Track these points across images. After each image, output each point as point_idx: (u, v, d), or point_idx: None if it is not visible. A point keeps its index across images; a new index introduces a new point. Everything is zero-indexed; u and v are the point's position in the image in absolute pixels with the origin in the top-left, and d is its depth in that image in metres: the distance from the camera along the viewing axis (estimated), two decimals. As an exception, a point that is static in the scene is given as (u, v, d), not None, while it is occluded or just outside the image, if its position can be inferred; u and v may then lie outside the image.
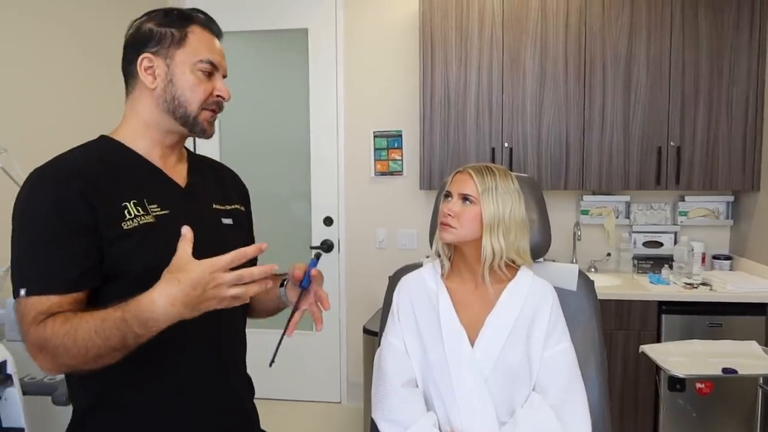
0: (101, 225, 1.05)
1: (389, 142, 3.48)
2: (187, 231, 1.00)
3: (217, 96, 1.19)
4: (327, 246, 3.56)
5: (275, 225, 3.53)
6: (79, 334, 0.97)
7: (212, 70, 1.18)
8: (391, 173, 3.50)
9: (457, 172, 1.48)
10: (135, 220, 1.08)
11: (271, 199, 3.60)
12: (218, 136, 3.55)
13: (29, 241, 1.04)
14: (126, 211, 1.08)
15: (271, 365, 1.22)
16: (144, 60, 1.14)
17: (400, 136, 3.47)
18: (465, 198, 1.43)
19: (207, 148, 3.30)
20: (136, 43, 1.16)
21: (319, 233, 3.59)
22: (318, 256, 1.22)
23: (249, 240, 1.37)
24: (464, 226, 1.41)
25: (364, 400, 3.05)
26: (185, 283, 0.94)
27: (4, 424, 1.71)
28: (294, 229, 3.62)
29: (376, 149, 3.50)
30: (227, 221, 1.26)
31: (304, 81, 3.55)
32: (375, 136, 3.50)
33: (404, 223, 3.49)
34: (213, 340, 1.18)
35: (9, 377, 1.70)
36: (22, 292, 1.02)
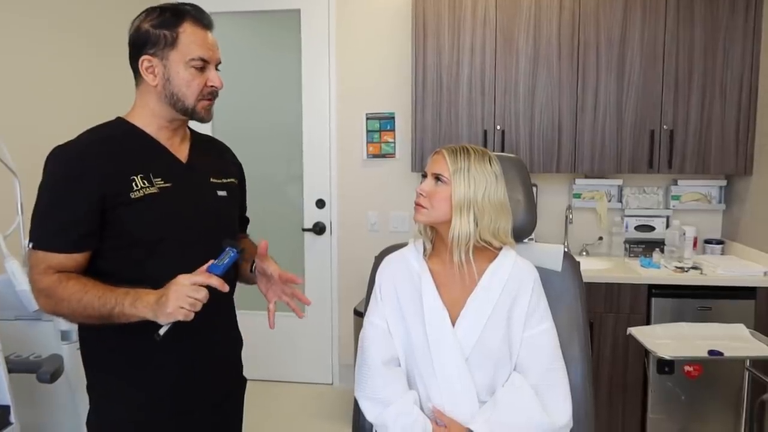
0: (108, 195, 1.25)
1: (382, 124, 3.46)
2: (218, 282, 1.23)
3: (210, 86, 1.34)
4: (319, 228, 3.56)
5: (268, 207, 3.52)
6: (87, 296, 1.22)
7: (204, 64, 1.32)
8: (384, 156, 3.49)
9: (434, 153, 1.47)
10: (141, 191, 1.28)
11: (264, 181, 3.58)
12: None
13: (42, 204, 1.27)
14: (133, 183, 1.28)
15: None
16: (144, 61, 1.30)
17: (393, 118, 3.45)
18: (437, 178, 1.41)
19: (199, 129, 3.26)
20: (137, 45, 1.31)
21: (311, 216, 3.59)
22: (232, 250, 1.28)
23: (241, 211, 1.61)
24: (435, 206, 1.40)
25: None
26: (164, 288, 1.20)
27: (-10, 402, 1.72)
28: (286, 212, 3.62)
29: (368, 131, 3.48)
30: (222, 193, 1.44)
31: (297, 62, 3.52)
32: (367, 119, 3.47)
33: (396, 205, 3.49)
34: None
35: (-6, 355, 1.71)
36: (30, 245, 1.27)
